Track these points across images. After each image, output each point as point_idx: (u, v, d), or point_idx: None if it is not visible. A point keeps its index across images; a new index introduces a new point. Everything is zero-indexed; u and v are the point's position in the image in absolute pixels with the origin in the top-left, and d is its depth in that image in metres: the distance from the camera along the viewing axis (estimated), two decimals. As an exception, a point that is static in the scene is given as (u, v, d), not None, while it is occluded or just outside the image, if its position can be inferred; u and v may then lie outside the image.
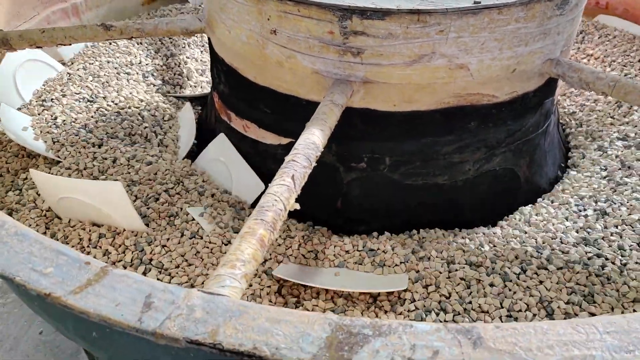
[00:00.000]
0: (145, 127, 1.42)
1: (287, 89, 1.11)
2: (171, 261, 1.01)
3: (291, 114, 1.14)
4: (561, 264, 1.00)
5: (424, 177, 1.14)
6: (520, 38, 1.00)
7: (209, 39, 1.34)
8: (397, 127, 1.09)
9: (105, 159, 1.24)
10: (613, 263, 0.99)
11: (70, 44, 1.24)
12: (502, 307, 0.93)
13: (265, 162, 1.25)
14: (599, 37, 1.90)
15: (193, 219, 1.10)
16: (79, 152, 1.26)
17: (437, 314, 0.92)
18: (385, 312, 0.94)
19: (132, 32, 1.24)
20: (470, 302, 0.94)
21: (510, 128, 1.14)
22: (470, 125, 1.10)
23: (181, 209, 1.12)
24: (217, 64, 1.29)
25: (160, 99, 1.58)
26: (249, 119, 1.23)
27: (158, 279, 0.98)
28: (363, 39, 0.97)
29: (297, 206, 0.74)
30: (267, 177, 1.25)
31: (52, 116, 1.38)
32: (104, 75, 1.59)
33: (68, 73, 1.56)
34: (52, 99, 1.46)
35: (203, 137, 1.48)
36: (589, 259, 1.01)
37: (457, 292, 0.96)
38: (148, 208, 1.11)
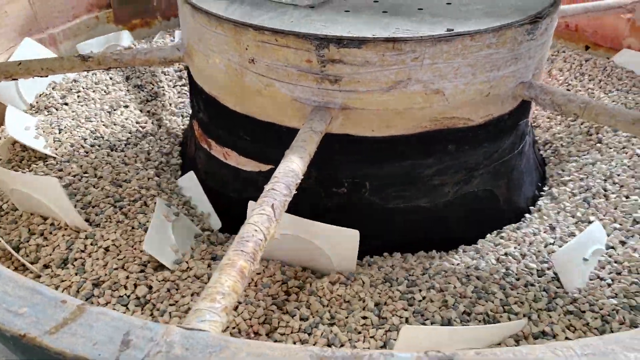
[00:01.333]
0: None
1: (266, 116, 1.12)
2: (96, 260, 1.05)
3: (271, 141, 1.15)
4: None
5: (405, 200, 1.15)
6: (493, 63, 1.02)
7: (187, 68, 1.34)
8: (376, 152, 1.10)
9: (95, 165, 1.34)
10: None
11: (47, 76, 1.24)
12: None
13: (247, 190, 1.25)
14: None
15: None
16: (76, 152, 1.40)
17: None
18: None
19: (110, 62, 1.24)
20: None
21: (487, 150, 1.16)
22: (448, 149, 1.11)
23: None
24: (197, 93, 1.30)
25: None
26: (229, 146, 1.24)
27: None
28: (340, 66, 0.98)
29: (278, 236, 0.75)
30: (246, 204, 1.25)
31: (56, 118, 1.53)
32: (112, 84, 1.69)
33: (74, 80, 1.66)
34: (56, 103, 1.61)
35: (184, 165, 1.48)
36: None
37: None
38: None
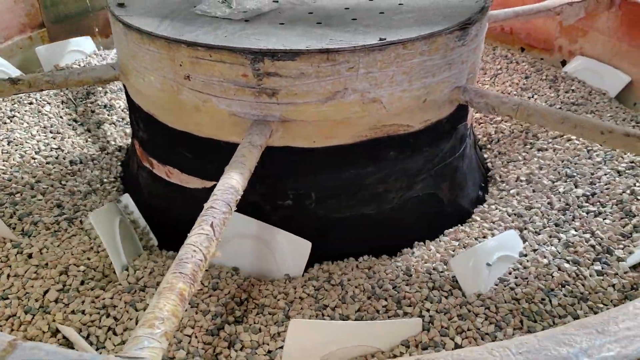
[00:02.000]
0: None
1: (206, 132, 1.10)
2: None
3: (212, 157, 1.13)
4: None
5: (351, 209, 1.16)
6: (427, 70, 1.05)
7: (124, 86, 1.32)
8: (319, 163, 1.10)
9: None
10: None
11: (-25, 101, 1.19)
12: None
13: (193, 208, 1.23)
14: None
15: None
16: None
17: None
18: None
19: (42, 84, 1.21)
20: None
21: (428, 155, 1.18)
22: (389, 155, 1.13)
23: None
24: (135, 112, 1.27)
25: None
26: (171, 164, 1.21)
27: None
28: (276, 79, 0.98)
29: (219, 254, 0.74)
30: (193, 222, 1.23)
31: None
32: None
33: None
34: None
35: (127, 184, 1.45)
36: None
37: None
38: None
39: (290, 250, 1.11)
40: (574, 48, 1.88)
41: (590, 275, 1.03)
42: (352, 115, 1.04)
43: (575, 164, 1.37)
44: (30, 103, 1.69)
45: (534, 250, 1.12)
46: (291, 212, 1.15)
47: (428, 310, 0.99)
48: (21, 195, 1.32)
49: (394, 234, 1.22)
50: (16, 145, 1.51)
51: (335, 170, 1.12)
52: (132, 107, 1.28)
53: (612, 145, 0.95)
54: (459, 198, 1.30)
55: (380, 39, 0.98)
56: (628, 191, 1.22)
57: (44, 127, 1.61)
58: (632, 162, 1.33)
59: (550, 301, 0.99)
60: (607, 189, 1.25)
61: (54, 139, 1.57)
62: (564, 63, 1.93)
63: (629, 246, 1.09)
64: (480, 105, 1.11)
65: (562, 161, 1.39)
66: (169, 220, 1.29)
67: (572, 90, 1.73)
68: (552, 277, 1.04)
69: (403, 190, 1.18)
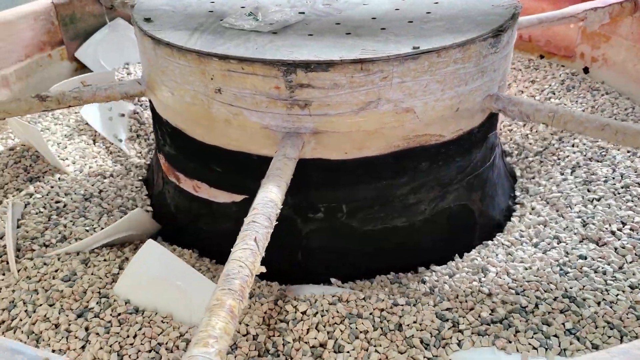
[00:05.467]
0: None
1: (236, 146, 1.09)
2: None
3: (243, 170, 1.12)
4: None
5: (382, 221, 1.14)
6: (460, 78, 1.03)
7: (150, 101, 1.31)
8: (351, 174, 1.09)
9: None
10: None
11: (4, 119, 1.18)
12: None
13: (219, 222, 1.22)
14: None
15: None
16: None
17: None
18: None
19: (70, 101, 1.20)
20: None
21: (459, 165, 1.16)
22: (421, 166, 1.11)
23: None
24: (161, 126, 1.27)
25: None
26: (199, 178, 1.20)
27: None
28: (309, 91, 0.97)
29: (263, 269, 0.72)
30: (222, 236, 1.21)
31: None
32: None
33: None
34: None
35: (153, 201, 1.44)
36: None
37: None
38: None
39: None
40: (597, 54, 1.86)
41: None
42: (385, 126, 1.02)
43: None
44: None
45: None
46: (322, 225, 1.14)
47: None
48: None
49: (425, 247, 1.20)
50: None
51: (367, 182, 1.10)
52: (159, 121, 1.28)
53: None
54: (490, 209, 1.28)
55: (414, 48, 0.97)
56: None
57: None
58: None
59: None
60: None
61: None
62: (586, 70, 1.91)
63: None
64: (514, 113, 1.09)
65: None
66: (195, 235, 1.28)
67: (596, 97, 1.71)
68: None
69: (435, 201, 1.16)
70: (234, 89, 1.00)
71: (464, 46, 1.00)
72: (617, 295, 1.00)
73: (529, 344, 0.92)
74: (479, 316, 0.98)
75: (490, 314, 0.98)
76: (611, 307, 0.97)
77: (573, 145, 1.48)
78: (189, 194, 1.25)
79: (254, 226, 0.75)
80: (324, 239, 1.15)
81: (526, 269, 1.09)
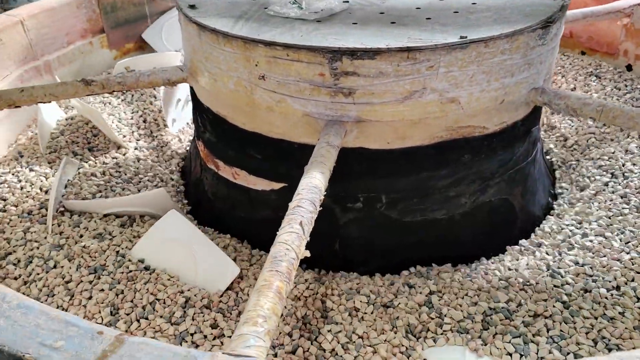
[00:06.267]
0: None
1: (278, 133, 1.10)
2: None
3: (283, 158, 1.12)
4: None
5: (422, 213, 1.13)
6: (507, 69, 1.01)
7: (191, 88, 1.32)
8: (391, 165, 1.08)
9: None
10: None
11: (50, 102, 1.21)
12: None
13: (257, 209, 1.22)
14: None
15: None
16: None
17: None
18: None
19: (114, 86, 1.22)
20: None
21: (502, 158, 1.15)
22: (463, 158, 1.10)
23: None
24: (202, 113, 1.28)
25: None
26: (238, 166, 1.21)
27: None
28: (354, 79, 0.96)
29: (307, 253, 0.72)
30: (259, 224, 1.22)
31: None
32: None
33: None
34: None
35: (188, 187, 1.45)
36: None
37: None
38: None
39: (215, 268, 1.07)
40: (642, 52, 1.81)
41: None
42: (429, 116, 1.01)
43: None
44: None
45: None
46: (360, 215, 1.13)
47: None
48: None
49: (464, 240, 1.19)
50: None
51: (408, 173, 1.09)
52: (199, 108, 1.29)
53: None
54: (530, 204, 1.26)
55: (461, 37, 0.96)
56: None
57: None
58: None
59: None
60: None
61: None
62: (629, 67, 1.86)
63: None
64: (560, 107, 1.07)
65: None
66: (233, 223, 1.29)
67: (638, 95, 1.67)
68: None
69: (475, 194, 1.15)
70: (278, 75, 1.01)
71: (512, 37, 0.98)
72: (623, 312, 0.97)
73: (504, 348, 0.91)
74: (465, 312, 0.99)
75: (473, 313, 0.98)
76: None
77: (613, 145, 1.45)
78: (227, 181, 1.26)
79: (299, 210, 0.75)
80: (362, 229, 1.14)
81: (531, 268, 1.08)
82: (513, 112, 1.10)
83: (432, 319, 0.97)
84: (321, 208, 1.10)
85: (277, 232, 0.72)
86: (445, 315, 0.97)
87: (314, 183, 0.83)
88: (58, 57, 1.85)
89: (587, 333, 0.92)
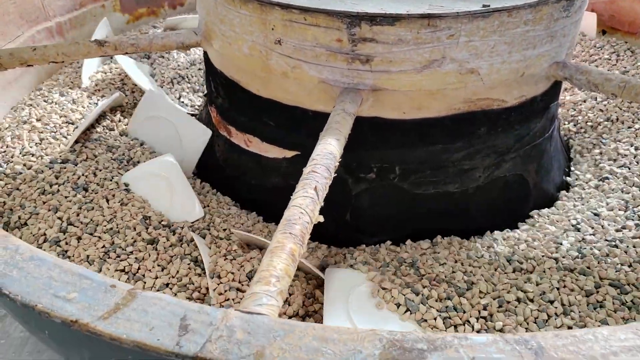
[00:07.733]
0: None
1: (292, 100, 1.08)
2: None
3: (297, 126, 1.11)
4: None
5: (435, 185, 1.12)
6: (529, 41, 0.99)
7: (205, 52, 1.30)
8: (406, 135, 1.06)
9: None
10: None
11: (62, 62, 1.20)
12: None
13: (268, 176, 1.22)
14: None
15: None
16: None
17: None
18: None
19: (127, 47, 1.20)
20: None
21: (518, 133, 1.13)
22: (479, 131, 1.08)
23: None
24: (215, 78, 1.26)
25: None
26: (251, 132, 1.20)
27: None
28: (372, 45, 0.94)
29: (321, 218, 0.71)
30: (269, 191, 1.22)
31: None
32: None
33: None
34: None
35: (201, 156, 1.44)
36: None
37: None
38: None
39: (190, 135, 1.33)
40: (665, 31, 1.77)
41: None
42: (447, 87, 0.99)
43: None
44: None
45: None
46: (373, 185, 1.12)
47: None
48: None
49: (476, 214, 1.18)
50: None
51: (423, 144, 1.08)
52: (213, 73, 1.27)
53: None
54: (544, 182, 1.24)
55: (484, 6, 0.93)
56: None
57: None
58: None
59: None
60: None
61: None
62: (651, 47, 1.82)
63: None
64: (582, 82, 1.04)
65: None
66: (243, 190, 1.28)
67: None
68: None
69: (490, 169, 1.13)
70: (294, 40, 0.99)
71: (536, 7, 0.95)
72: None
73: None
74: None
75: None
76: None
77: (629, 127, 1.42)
78: (239, 148, 1.25)
79: (314, 176, 0.74)
80: (374, 200, 1.13)
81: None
82: (533, 86, 1.08)
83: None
84: (333, 178, 1.09)
85: (292, 196, 0.71)
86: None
87: (329, 149, 0.82)
88: (70, 19, 1.83)
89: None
